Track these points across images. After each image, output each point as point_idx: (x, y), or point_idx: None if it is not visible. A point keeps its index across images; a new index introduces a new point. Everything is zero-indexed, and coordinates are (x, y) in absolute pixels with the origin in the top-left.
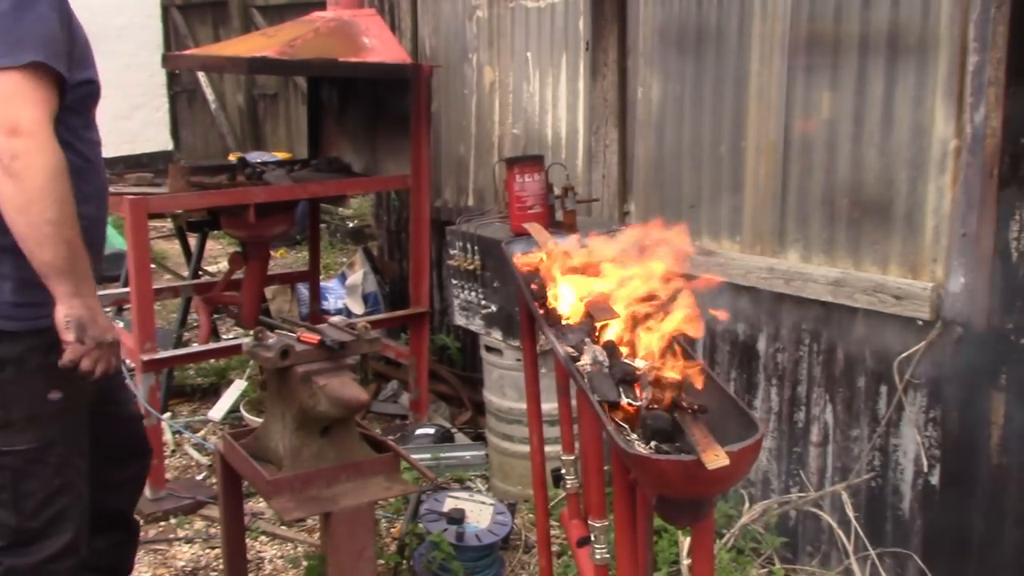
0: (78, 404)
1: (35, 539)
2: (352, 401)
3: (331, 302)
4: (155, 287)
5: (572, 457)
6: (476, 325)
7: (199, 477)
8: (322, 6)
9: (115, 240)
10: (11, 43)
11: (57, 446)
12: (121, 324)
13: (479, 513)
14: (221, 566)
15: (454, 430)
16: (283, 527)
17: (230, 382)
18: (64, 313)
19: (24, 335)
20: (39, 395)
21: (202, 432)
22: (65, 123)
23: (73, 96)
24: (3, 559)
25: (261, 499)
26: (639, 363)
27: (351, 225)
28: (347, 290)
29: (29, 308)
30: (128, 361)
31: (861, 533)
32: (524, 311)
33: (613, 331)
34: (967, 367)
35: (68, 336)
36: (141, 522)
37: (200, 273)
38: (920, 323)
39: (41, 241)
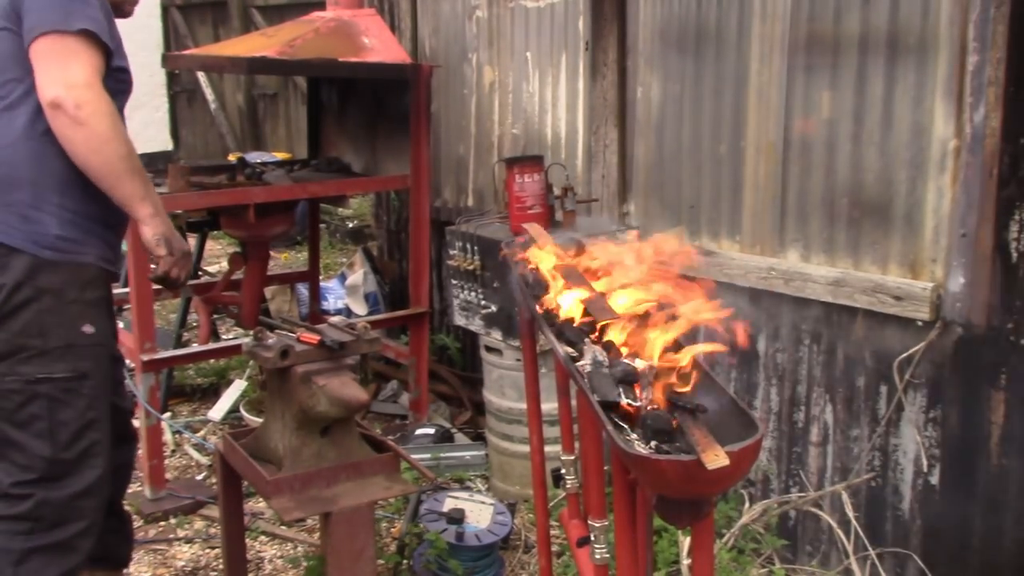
0: (108, 343)
1: (67, 472)
2: (352, 401)
3: (331, 302)
4: (155, 287)
5: (572, 457)
6: (476, 325)
7: (199, 477)
8: (322, 6)
9: None
10: (65, 14)
11: (89, 379)
12: (121, 324)
13: (479, 513)
14: (221, 566)
15: (454, 430)
16: (283, 527)
17: (230, 382)
18: (152, 232)
19: (64, 267)
20: (75, 326)
21: (202, 432)
22: None
23: (111, 81)
24: (35, 491)
25: (261, 499)
26: (639, 363)
27: (351, 225)
28: (347, 290)
29: (70, 243)
30: (128, 361)
31: (861, 533)
32: (524, 311)
33: (613, 331)
34: (967, 367)
35: (160, 250)
36: (142, 522)
37: (200, 273)
38: (920, 323)
39: (120, 175)
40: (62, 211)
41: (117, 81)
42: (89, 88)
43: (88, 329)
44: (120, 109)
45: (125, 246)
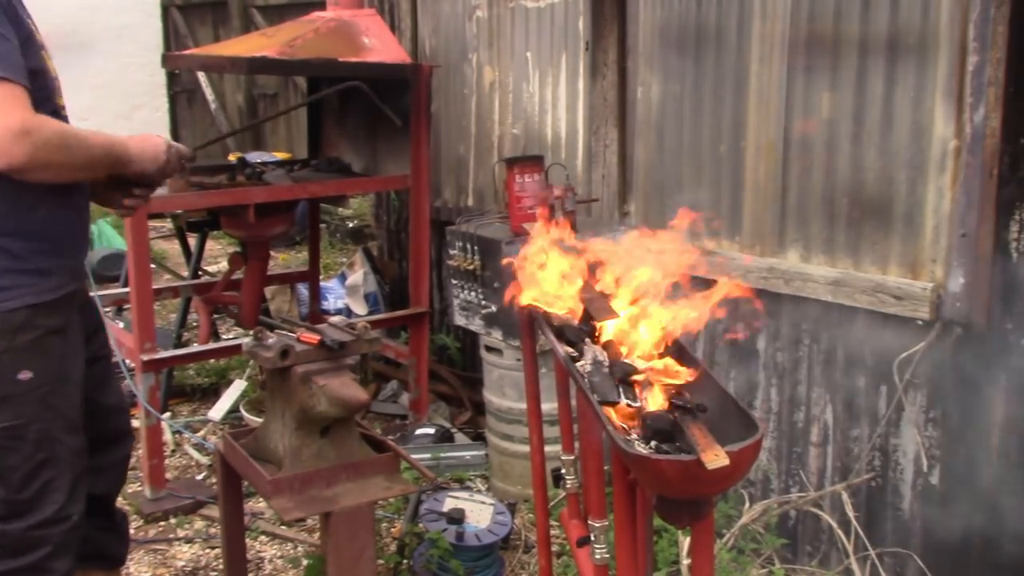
0: (52, 380)
1: (26, 510)
2: (352, 401)
3: (331, 302)
4: (155, 287)
5: (572, 457)
6: (476, 325)
7: (199, 477)
8: (322, 6)
9: (115, 240)
10: None
11: (34, 423)
12: (121, 324)
13: (479, 513)
14: (221, 566)
15: (454, 430)
16: (283, 527)
17: (230, 382)
18: (148, 167)
19: None
20: (8, 377)
21: (202, 432)
22: None
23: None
24: None
25: (261, 499)
26: (639, 363)
27: (351, 225)
28: (347, 290)
29: None
30: (128, 361)
31: (861, 533)
32: (524, 311)
33: (613, 330)
34: (967, 367)
35: (173, 166)
36: (142, 522)
37: (200, 273)
38: (920, 323)
39: (95, 168)
40: None
41: (37, 87)
42: (29, 132)
43: (24, 376)
44: (51, 96)
45: (125, 245)
